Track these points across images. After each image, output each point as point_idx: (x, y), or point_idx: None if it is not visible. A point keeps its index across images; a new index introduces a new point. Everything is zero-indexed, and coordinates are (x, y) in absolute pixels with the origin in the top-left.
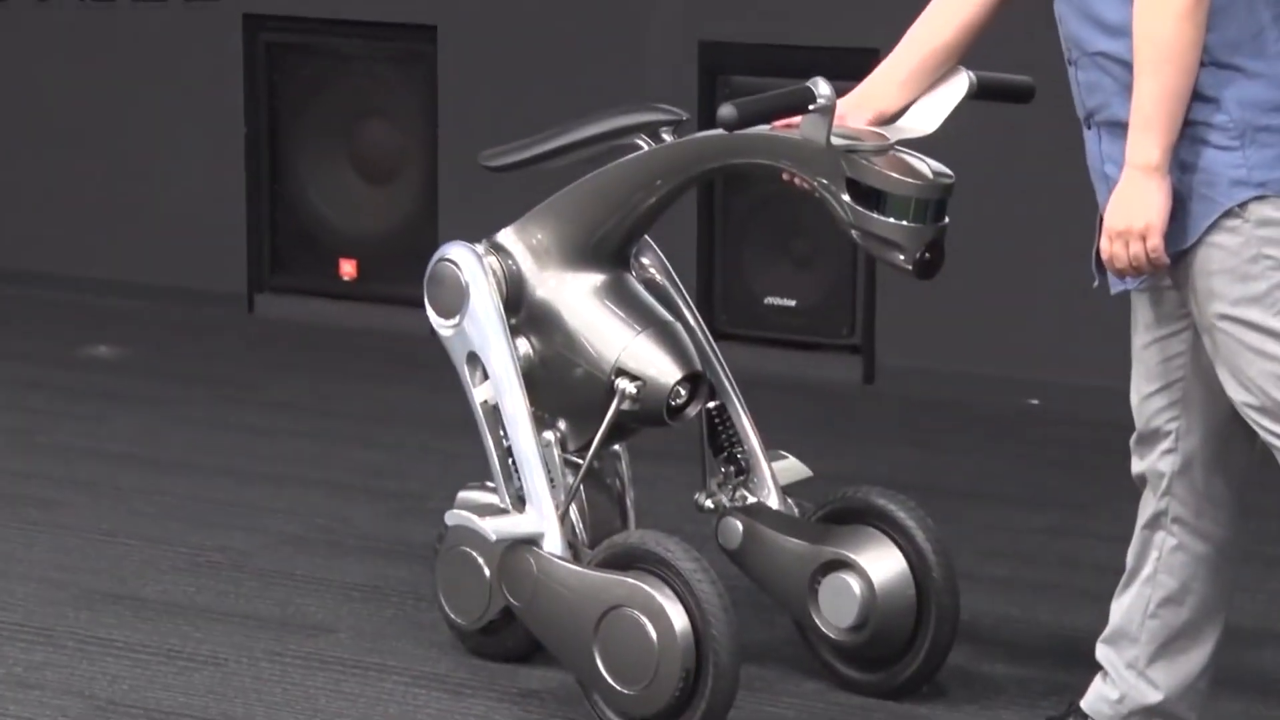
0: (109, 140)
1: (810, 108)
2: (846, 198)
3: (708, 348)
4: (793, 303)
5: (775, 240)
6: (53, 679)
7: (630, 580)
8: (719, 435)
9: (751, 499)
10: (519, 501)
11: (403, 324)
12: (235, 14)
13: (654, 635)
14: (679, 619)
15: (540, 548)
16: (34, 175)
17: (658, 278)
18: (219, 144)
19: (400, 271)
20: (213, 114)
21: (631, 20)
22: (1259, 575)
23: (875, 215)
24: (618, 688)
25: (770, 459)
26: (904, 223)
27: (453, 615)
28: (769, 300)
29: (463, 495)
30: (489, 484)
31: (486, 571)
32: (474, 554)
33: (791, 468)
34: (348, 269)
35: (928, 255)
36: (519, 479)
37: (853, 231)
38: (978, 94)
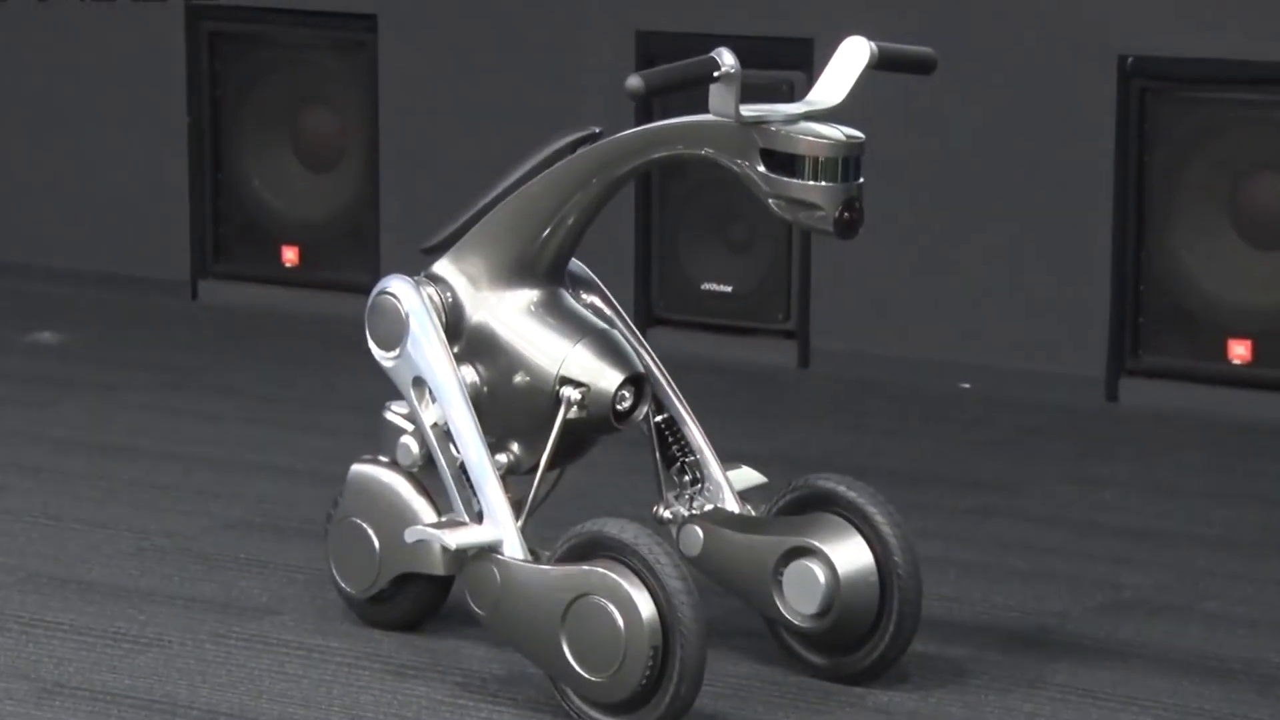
0: (53, 129)
1: (715, 75)
2: (762, 168)
3: (650, 361)
4: (729, 288)
5: (711, 226)
6: None
7: (593, 568)
8: (670, 447)
9: (709, 506)
10: (476, 515)
11: (344, 309)
12: (177, 3)
13: (620, 621)
14: (644, 603)
15: (501, 554)
16: None
17: (592, 299)
18: (162, 132)
19: (342, 258)
20: (156, 102)
21: (569, 9)
22: (1184, 555)
23: (793, 180)
24: (586, 676)
25: (724, 469)
26: (822, 183)
27: (344, 585)
28: (705, 286)
29: (356, 468)
30: (382, 458)
31: (377, 542)
32: (365, 525)
33: (746, 475)
34: (290, 255)
35: (847, 214)
36: (474, 493)
37: (771, 201)
38: (879, 64)
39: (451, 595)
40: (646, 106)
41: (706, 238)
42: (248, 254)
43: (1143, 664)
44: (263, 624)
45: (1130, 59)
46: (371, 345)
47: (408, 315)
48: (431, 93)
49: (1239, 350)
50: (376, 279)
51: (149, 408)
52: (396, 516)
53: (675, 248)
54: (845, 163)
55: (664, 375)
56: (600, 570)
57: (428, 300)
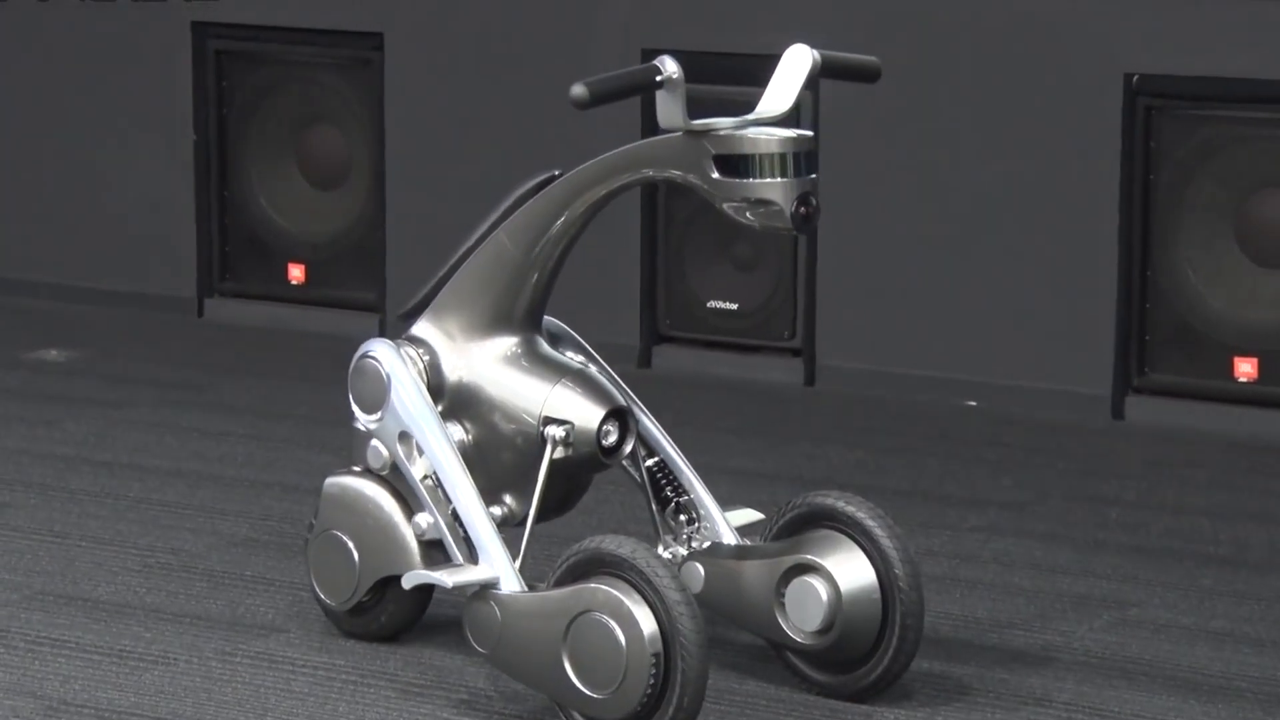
0: (59, 146)
1: (658, 79)
2: (716, 175)
3: (636, 406)
4: (735, 306)
5: (717, 244)
6: (4, 679)
7: (592, 585)
8: (663, 489)
9: (707, 543)
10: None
11: (350, 327)
12: (184, 21)
13: (620, 635)
14: (644, 617)
15: (499, 590)
16: None
17: (569, 352)
18: (168, 150)
19: (347, 276)
20: (162, 120)
21: (576, 28)
22: (1191, 573)
23: (748, 180)
24: (589, 694)
25: (722, 508)
26: (777, 179)
27: (324, 597)
28: (711, 304)
29: (329, 481)
30: (355, 467)
31: (356, 555)
32: (342, 535)
33: (743, 513)
34: (296, 273)
35: (803, 209)
36: (467, 536)
37: (726, 206)
38: (823, 72)
39: (451, 613)
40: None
41: (712, 255)
42: (254, 272)
43: (1149, 682)
44: (269, 641)
45: (1136, 77)
46: (355, 410)
47: (389, 375)
48: (437, 111)
49: (1245, 368)
50: (383, 297)
51: (155, 425)
52: (371, 519)
53: (681, 266)
54: (797, 157)
55: (650, 419)
56: (599, 586)
57: (408, 359)
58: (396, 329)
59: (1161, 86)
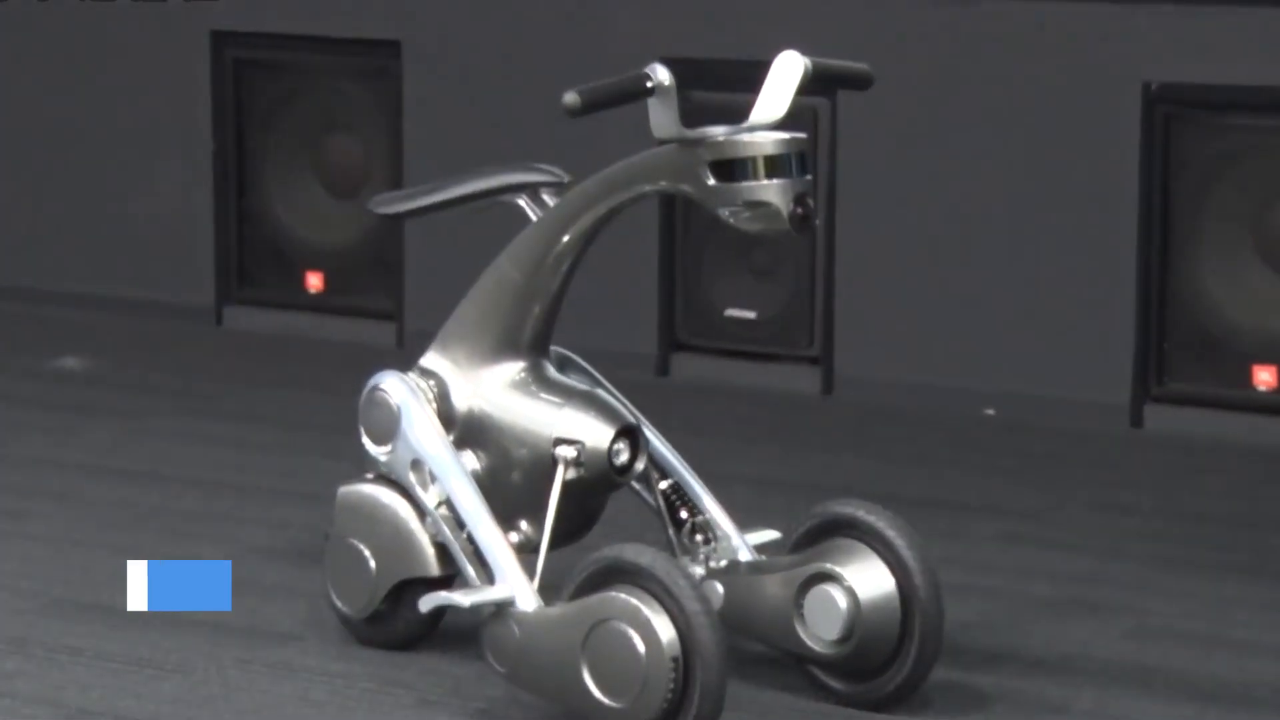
0: (78, 155)
1: (648, 85)
2: (712, 181)
3: (647, 428)
4: (753, 314)
5: (735, 252)
6: (23, 688)
7: (611, 594)
8: (678, 511)
9: (724, 561)
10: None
11: (368, 336)
12: (202, 30)
13: (639, 644)
14: (663, 626)
15: (516, 608)
16: (2, 189)
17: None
18: (187, 158)
19: (366, 284)
20: (180, 129)
21: (595, 35)
22: (1212, 582)
23: (744, 183)
24: (609, 704)
25: (740, 530)
26: (774, 180)
27: (340, 605)
28: (729, 312)
29: (342, 490)
30: (368, 475)
31: (373, 563)
32: (357, 542)
33: (759, 534)
34: (314, 282)
35: (800, 209)
36: (482, 557)
37: (723, 210)
38: (814, 79)
39: (469, 622)
40: None
41: (730, 264)
42: (272, 280)
43: (1168, 691)
44: (287, 650)
45: (1154, 85)
46: (366, 442)
47: (399, 406)
48: (454, 119)
49: (1264, 376)
50: (400, 305)
51: (173, 434)
52: (386, 525)
53: (699, 274)
54: (793, 159)
55: (662, 440)
56: (617, 595)
57: (418, 389)
58: (439, 294)
59: (1180, 95)
